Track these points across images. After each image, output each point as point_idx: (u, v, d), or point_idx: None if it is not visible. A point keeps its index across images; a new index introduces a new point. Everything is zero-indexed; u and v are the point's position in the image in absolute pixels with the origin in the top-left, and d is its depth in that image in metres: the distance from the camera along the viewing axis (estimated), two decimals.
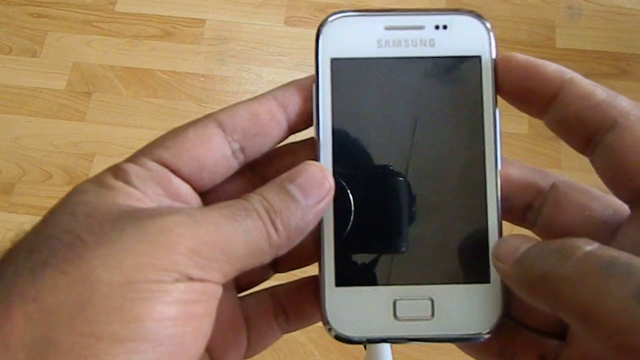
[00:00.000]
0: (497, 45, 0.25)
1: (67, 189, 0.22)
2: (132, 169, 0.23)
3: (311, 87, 0.25)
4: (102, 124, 1.08)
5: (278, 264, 0.27)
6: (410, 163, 0.25)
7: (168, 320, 0.19)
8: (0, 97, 1.10)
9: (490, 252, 0.24)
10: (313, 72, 0.26)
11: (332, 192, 0.24)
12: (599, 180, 0.23)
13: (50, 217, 0.21)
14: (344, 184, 0.25)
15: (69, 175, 1.05)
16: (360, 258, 0.25)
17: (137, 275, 0.19)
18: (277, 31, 1.16)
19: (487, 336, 0.24)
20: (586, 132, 0.23)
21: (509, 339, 0.25)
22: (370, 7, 1.13)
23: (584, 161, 0.24)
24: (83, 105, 1.10)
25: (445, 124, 0.25)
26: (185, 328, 0.20)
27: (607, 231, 0.23)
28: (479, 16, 0.26)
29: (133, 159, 0.23)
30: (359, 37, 0.26)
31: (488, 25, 0.26)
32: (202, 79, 1.12)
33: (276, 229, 0.22)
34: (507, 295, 0.25)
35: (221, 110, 0.24)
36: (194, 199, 0.24)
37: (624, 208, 0.23)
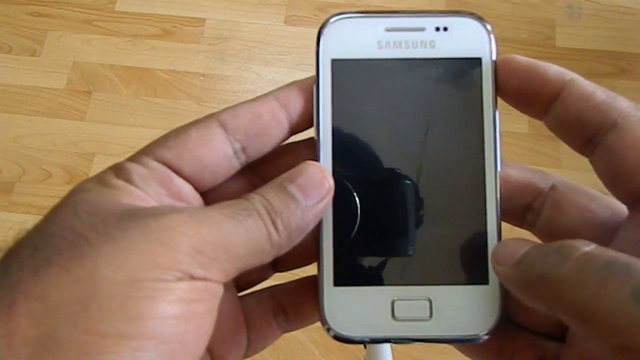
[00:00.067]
0: (497, 47, 0.25)
1: (67, 188, 0.22)
2: (134, 168, 0.23)
3: (312, 87, 0.26)
4: (102, 123, 1.08)
5: (278, 264, 0.27)
6: (410, 164, 0.25)
7: (171, 319, 0.19)
8: (0, 96, 1.10)
9: (489, 254, 0.24)
10: (313, 71, 0.26)
11: (331, 192, 0.24)
12: (599, 180, 0.23)
13: (53, 216, 0.21)
14: (344, 184, 0.25)
15: (69, 175, 1.05)
16: (359, 258, 0.25)
17: (140, 273, 0.19)
18: (277, 30, 1.16)
19: (485, 337, 0.24)
20: (586, 132, 0.23)
21: (508, 340, 0.25)
22: (371, 7, 1.13)
23: (584, 161, 0.24)
24: (83, 104, 1.10)
25: (445, 126, 0.26)
26: (188, 326, 0.20)
27: (606, 232, 0.23)
28: (479, 18, 0.26)
29: (135, 158, 0.23)
30: (359, 39, 0.26)
31: (489, 27, 0.26)
32: (202, 78, 1.12)
33: (277, 229, 0.22)
34: (506, 297, 0.25)
35: (223, 111, 0.24)
36: (195, 198, 0.24)
37: (622, 209, 0.23)
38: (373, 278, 0.25)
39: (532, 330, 0.25)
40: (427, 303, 0.25)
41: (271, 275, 0.28)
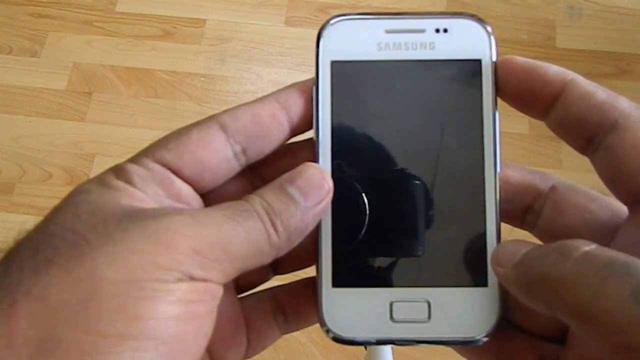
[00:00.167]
0: (497, 49, 0.25)
1: (68, 189, 0.22)
2: (134, 169, 0.23)
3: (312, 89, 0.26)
4: (103, 124, 1.08)
5: (278, 266, 0.27)
6: (409, 166, 0.25)
7: (171, 319, 0.19)
8: (1, 97, 1.11)
9: (488, 256, 0.24)
10: (314, 72, 0.26)
11: (331, 194, 0.24)
12: (599, 181, 0.23)
13: (54, 216, 0.21)
14: (343, 185, 0.25)
15: (70, 176, 1.05)
16: (358, 259, 0.25)
17: (140, 274, 0.19)
18: (278, 31, 1.16)
19: (484, 340, 0.24)
20: (587, 132, 0.23)
21: (507, 342, 0.25)
22: (371, 8, 1.13)
23: (585, 161, 0.24)
24: (83, 105, 1.10)
25: (444, 128, 0.25)
26: (188, 327, 0.20)
27: (606, 233, 0.23)
28: (480, 20, 0.26)
29: (135, 159, 0.23)
30: (359, 40, 0.26)
31: (489, 28, 0.26)
32: (202, 79, 1.12)
33: (276, 230, 0.22)
34: (505, 299, 0.25)
35: (223, 112, 0.24)
36: (195, 200, 0.24)
37: (622, 210, 0.23)
38: (371, 279, 0.25)
39: (531, 333, 0.25)
40: (426, 305, 0.25)
41: (271, 277, 0.28)
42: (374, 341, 0.25)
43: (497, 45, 0.25)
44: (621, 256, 0.18)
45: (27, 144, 1.07)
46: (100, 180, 0.22)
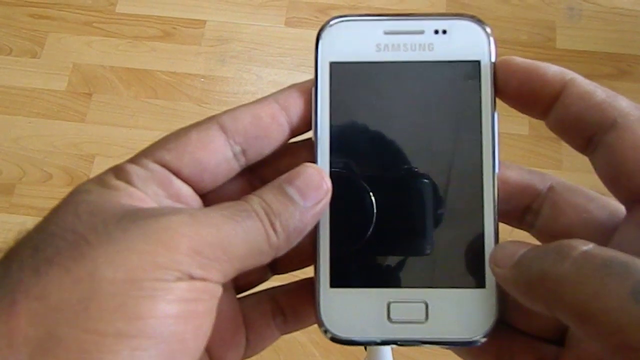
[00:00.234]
0: (497, 50, 0.25)
1: (68, 190, 0.22)
2: (134, 169, 0.23)
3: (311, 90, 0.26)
4: (103, 124, 1.08)
5: (276, 266, 0.27)
6: (408, 167, 0.25)
7: (170, 318, 0.19)
8: (1, 98, 1.11)
9: (486, 257, 0.24)
10: (313, 73, 0.26)
11: (329, 194, 0.24)
12: (599, 182, 0.23)
13: (54, 216, 0.21)
14: (341, 186, 0.25)
15: (70, 176, 1.05)
16: (356, 260, 0.25)
17: (140, 273, 0.19)
18: (278, 32, 1.16)
19: (482, 341, 0.24)
20: (586, 132, 0.23)
21: (506, 343, 0.25)
22: (371, 9, 1.13)
23: (585, 162, 0.24)
24: (83, 106, 1.10)
25: (443, 129, 0.25)
26: (187, 326, 0.20)
27: (604, 233, 0.23)
28: (479, 21, 0.26)
29: (134, 160, 0.23)
30: (358, 41, 0.26)
31: (488, 30, 0.26)
32: (202, 79, 1.12)
33: (275, 230, 0.22)
34: (503, 300, 0.25)
35: (223, 113, 0.24)
36: (195, 200, 0.24)
37: (620, 210, 0.23)
38: (369, 280, 0.25)
39: (530, 334, 0.25)
40: (423, 306, 0.25)
41: (269, 277, 0.28)
42: (371, 341, 0.25)
43: (496, 46, 0.25)
44: (620, 255, 0.18)
45: (27, 144, 1.07)
46: (100, 181, 0.22)
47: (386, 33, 0.26)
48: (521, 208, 0.25)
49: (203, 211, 0.22)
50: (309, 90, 0.26)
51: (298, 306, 0.26)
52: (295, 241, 0.23)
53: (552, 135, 0.24)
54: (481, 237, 0.25)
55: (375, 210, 0.25)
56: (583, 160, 0.24)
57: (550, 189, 0.25)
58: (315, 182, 0.23)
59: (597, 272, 0.18)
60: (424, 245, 0.25)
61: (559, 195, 0.24)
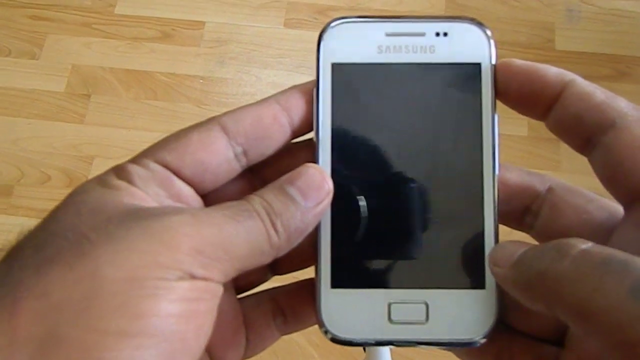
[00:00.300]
0: (497, 52, 0.26)
1: (67, 191, 0.22)
2: (135, 169, 0.23)
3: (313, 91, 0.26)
4: (102, 126, 1.08)
5: (277, 267, 0.27)
6: (408, 168, 0.25)
7: (171, 317, 0.19)
8: (0, 99, 1.10)
9: (486, 257, 0.24)
10: (313, 74, 0.26)
11: (331, 195, 0.24)
12: (598, 183, 0.23)
13: (55, 216, 0.21)
14: (342, 187, 0.25)
15: (69, 178, 1.05)
16: (356, 260, 0.25)
17: (142, 272, 0.19)
18: (277, 33, 1.16)
19: (482, 341, 0.24)
20: (586, 133, 0.23)
21: (506, 344, 0.25)
22: (371, 11, 1.13)
23: (584, 163, 0.24)
24: (82, 107, 1.10)
25: (444, 130, 0.26)
26: (188, 325, 0.20)
27: (603, 233, 0.23)
28: (479, 24, 0.26)
29: (136, 160, 0.23)
30: (359, 43, 0.26)
31: (489, 32, 0.26)
32: (201, 81, 1.12)
33: (276, 230, 0.22)
34: (502, 301, 0.25)
35: (225, 114, 0.24)
36: (196, 200, 0.24)
37: (619, 210, 0.23)
38: (370, 280, 0.25)
39: (530, 335, 0.25)
40: (424, 306, 0.25)
41: (270, 277, 0.28)
42: (371, 342, 0.25)
43: (496, 48, 0.26)
44: (618, 253, 0.18)
45: (26, 146, 1.07)
46: (101, 180, 0.23)
47: (388, 35, 0.26)
48: (521, 209, 0.25)
49: (205, 211, 0.22)
50: (311, 91, 0.26)
51: (298, 307, 0.26)
52: (296, 241, 0.23)
53: (551, 136, 0.24)
54: (481, 238, 0.25)
55: (375, 211, 0.25)
56: (582, 162, 0.24)
57: (550, 190, 0.25)
58: (316, 183, 0.23)
59: (596, 270, 0.18)
60: (425, 246, 0.25)
61: (558, 196, 0.24)
